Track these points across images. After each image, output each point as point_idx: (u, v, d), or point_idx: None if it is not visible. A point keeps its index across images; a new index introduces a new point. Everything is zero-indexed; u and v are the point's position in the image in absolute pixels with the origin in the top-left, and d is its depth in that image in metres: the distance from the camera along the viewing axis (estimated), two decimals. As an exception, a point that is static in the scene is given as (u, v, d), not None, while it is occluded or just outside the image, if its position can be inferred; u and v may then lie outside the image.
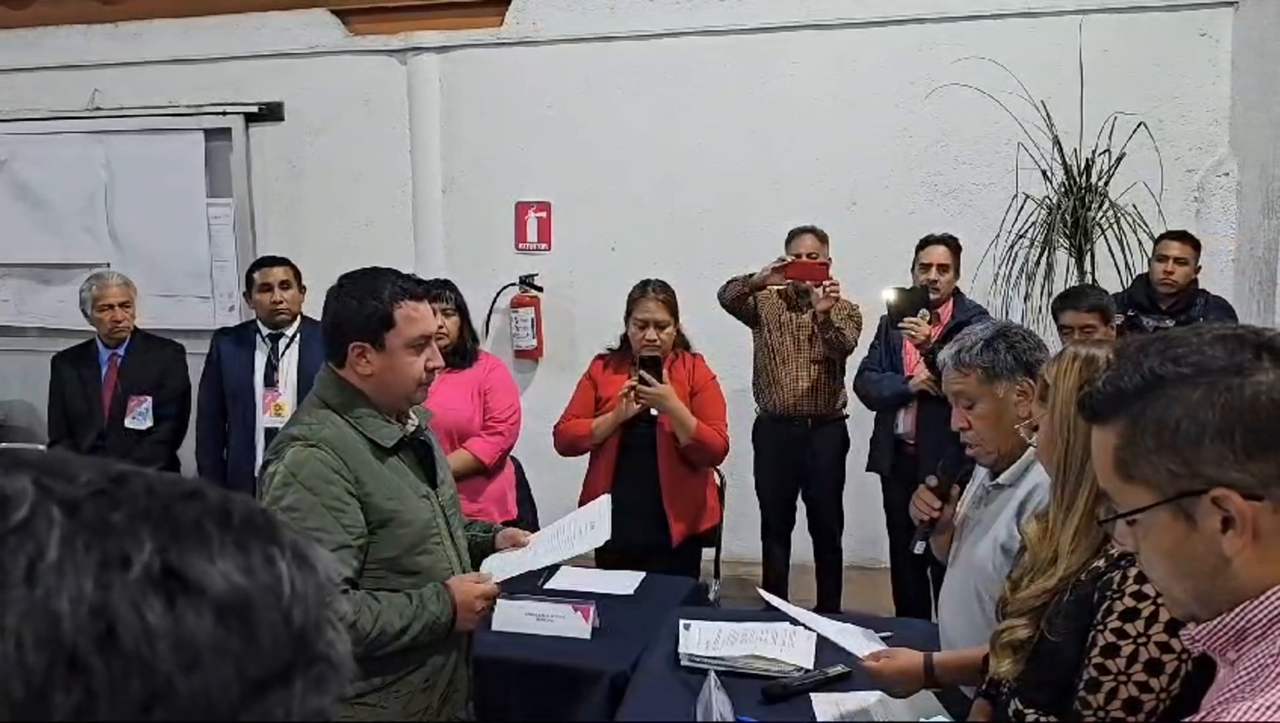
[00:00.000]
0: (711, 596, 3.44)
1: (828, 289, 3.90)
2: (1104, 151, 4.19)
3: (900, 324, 3.80)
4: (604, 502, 2.36)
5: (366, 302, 2.01)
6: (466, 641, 2.19)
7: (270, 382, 3.89)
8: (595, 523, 2.30)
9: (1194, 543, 0.92)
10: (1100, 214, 4.21)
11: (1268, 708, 0.82)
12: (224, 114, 5.57)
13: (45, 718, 0.33)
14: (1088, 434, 1.06)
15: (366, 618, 1.92)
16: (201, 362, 4.08)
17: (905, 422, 3.96)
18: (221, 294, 5.61)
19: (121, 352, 4.18)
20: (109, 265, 5.26)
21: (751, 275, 4.02)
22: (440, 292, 3.34)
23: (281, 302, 3.90)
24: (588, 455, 3.53)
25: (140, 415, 4.08)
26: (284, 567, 0.40)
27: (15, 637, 0.33)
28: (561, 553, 2.24)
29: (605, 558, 3.39)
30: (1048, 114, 4.25)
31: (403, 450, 2.08)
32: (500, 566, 2.22)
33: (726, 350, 4.17)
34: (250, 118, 5.56)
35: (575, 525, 2.34)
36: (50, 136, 5.77)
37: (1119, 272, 4.13)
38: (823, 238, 4.23)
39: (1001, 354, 2.11)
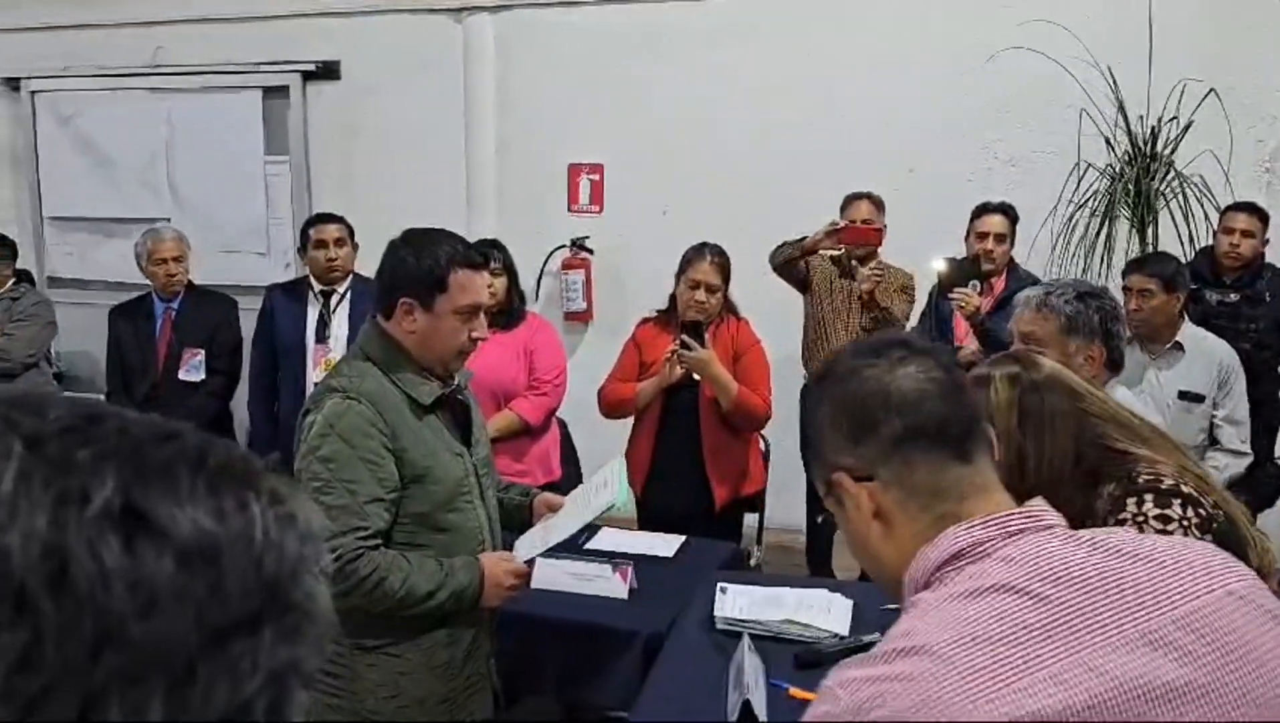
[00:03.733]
0: (753, 561, 3.43)
1: (871, 272, 3.85)
2: (1171, 119, 4.06)
3: (950, 295, 3.74)
4: (615, 464, 2.37)
5: (424, 260, 2.02)
6: None
7: (321, 338, 3.94)
8: (607, 483, 2.30)
9: (849, 524, 1.04)
10: (1165, 184, 4.08)
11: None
12: (282, 72, 5.61)
13: None
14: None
15: (395, 578, 1.94)
16: (256, 317, 4.15)
17: (953, 393, 3.90)
18: (277, 251, 5.68)
19: (175, 305, 4.25)
20: (169, 221, 5.35)
21: (803, 239, 3.98)
22: (488, 252, 3.35)
23: (335, 259, 3.93)
24: (632, 418, 3.53)
25: (193, 368, 4.16)
26: (257, 513, 0.39)
27: None
28: (579, 520, 2.24)
29: (648, 521, 3.40)
30: (1114, 80, 4.12)
31: (440, 408, 2.09)
32: (530, 545, 2.23)
33: (776, 316, 4.13)
34: (307, 76, 5.60)
35: (589, 490, 2.34)
36: (113, 94, 5.86)
37: (1182, 245, 4.01)
38: (878, 204, 4.18)
39: (1089, 311, 2.09)
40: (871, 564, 1.07)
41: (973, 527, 0.96)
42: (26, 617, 0.32)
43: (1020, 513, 0.98)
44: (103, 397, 4.29)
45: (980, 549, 0.94)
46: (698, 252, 3.42)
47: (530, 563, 2.22)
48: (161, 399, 4.07)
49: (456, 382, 2.14)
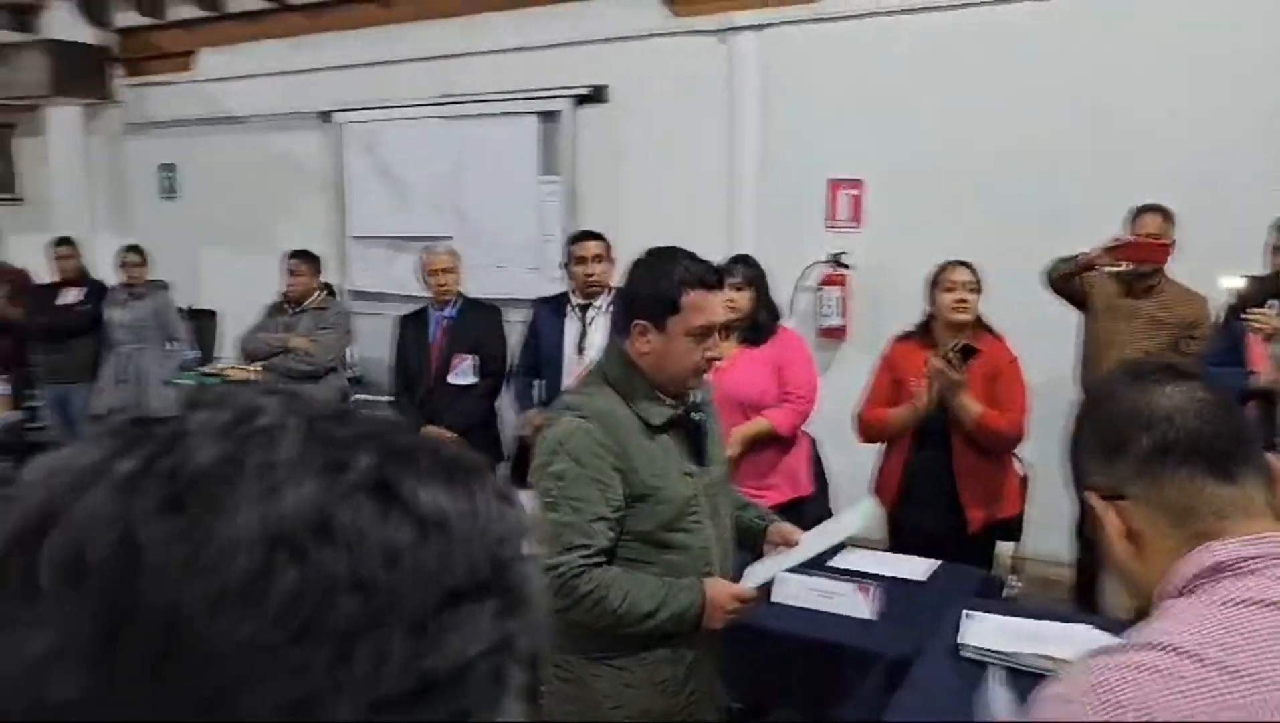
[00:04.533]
0: (1006, 592, 3.24)
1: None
2: None
3: (1245, 315, 3.39)
4: (864, 505, 2.30)
5: (657, 282, 2.03)
6: None
7: (580, 349, 4.11)
8: (848, 521, 2.23)
9: (1103, 544, 1.06)
10: None
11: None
12: (556, 97, 5.93)
13: (264, 594, 0.37)
14: None
15: (615, 596, 1.97)
16: (524, 327, 4.40)
17: (1246, 422, 3.52)
18: (548, 266, 5.99)
19: (449, 314, 4.60)
20: (451, 238, 5.78)
21: (1081, 255, 3.76)
22: (725, 269, 3.38)
23: (593, 274, 4.11)
24: (884, 438, 3.45)
25: (462, 372, 4.47)
26: (482, 502, 0.44)
27: (248, 520, 0.38)
28: (810, 553, 2.21)
29: (898, 542, 3.30)
30: None
31: (672, 429, 2.10)
32: (759, 574, 2.21)
33: (1044, 334, 3.90)
34: (579, 100, 5.89)
35: (828, 526, 2.31)
36: (408, 123, 6.41)
37: None
38: (1169, 218, 3.87)
39: None
40: (1126, 584, 1.07)
41: (1236, 542, 0.94)
42: (296, 561, 0.38)
43: None
44: (389, 399, 4.69)
45: (1245, 565, 0.92)
46: (949, 263, 3.36)
47: (763, 587, 2.20)
48: (435, 401, 4.40)
49: (691, 400, 2.14)
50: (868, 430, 3.43)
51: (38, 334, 6.16)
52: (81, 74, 7.34)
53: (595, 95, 5.85)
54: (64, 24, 7.25)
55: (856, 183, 5.21)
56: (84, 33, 7.33)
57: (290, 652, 0.37)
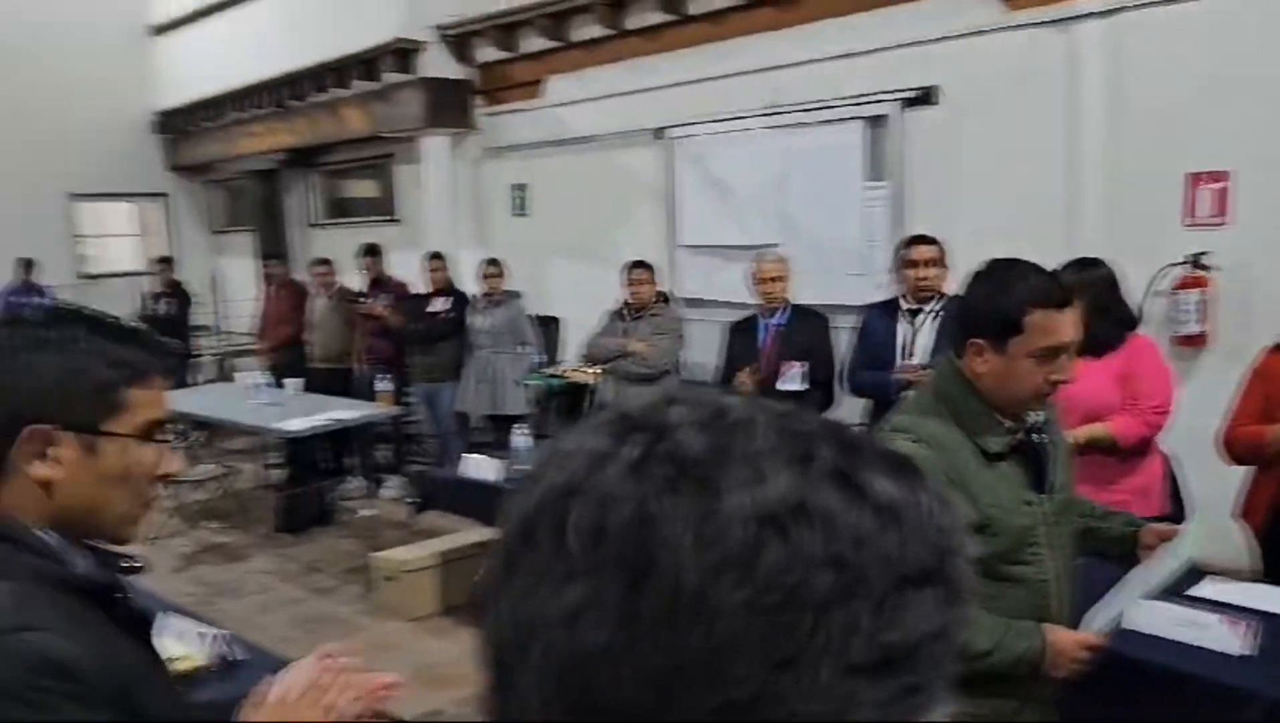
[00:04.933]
0: None
1: None
2: None
3: None
4: (1191, 527, 2.10)
5: (997, 299, 1.90)
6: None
7: (907, 355, 4.08)
8: (1179, 546, 2.07)
9: None
10: None
11: None
12: (883, 101, 5.89)
13: (755, 565, 0.43)
14: None
15: None
16: (850, 333, 4.42)
17: None
18: (872, 272, 5.96)
19: (778, 321, 4.70)
20: (778, 245, 5.90)
21: None
22: (1072, 284, 3.22)
23: (925, 278, 4.06)
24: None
25: (791, 379, 4.56)
26: (925, 497, 0.48)
27: (740, 500, 0.44)
28: (1147, 584, 2.07)
29: (1273, 571, 3.00)
30: None
31: (1012, 453, 1.98)
32: (1104, 615, 2.08)
33: None
34: (907, 103, 5.81)
35: (1167, 555, 2.12)
36: (735, 135, 6.62)
37: None
38: None
39: None
40: None
41: None
42: (781, 537, 0.43)
43: None
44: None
45: None
46: None
47: (1110, 631, 2.07)
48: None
49: (1032, 421, 2.01)
50: (1239, 450, 3.13)
51: (413, 338, 6.98)
52: (450, 107, 8.21)
53: (924, 97, 5.74)
54: (436, 63, 8.15)
55: (1221, 175, 4.75)
56: (452, 69, 8.20)
57: (778, 617, 0.42)
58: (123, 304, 9.64)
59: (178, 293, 9.61)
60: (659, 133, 7.07)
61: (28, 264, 10.28)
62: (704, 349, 6.10)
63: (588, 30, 7.32)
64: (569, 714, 0.44)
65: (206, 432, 8.04)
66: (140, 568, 1.34)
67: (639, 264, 5.48)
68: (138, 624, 1.25)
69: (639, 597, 0.43)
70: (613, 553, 0.43)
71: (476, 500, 4.94)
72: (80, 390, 1.17)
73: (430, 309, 6.89)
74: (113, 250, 12.08)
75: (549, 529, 0.45)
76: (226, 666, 2.58)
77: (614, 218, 7.47)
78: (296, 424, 6.19)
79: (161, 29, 11.53)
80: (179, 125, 11.55)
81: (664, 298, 5.84)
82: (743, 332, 4.84)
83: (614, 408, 0.51)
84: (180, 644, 2.53)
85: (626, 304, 5.49)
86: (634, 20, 7.04)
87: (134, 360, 1.22)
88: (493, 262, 6.70)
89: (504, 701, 0.46)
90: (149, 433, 1.24)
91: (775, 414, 0.48)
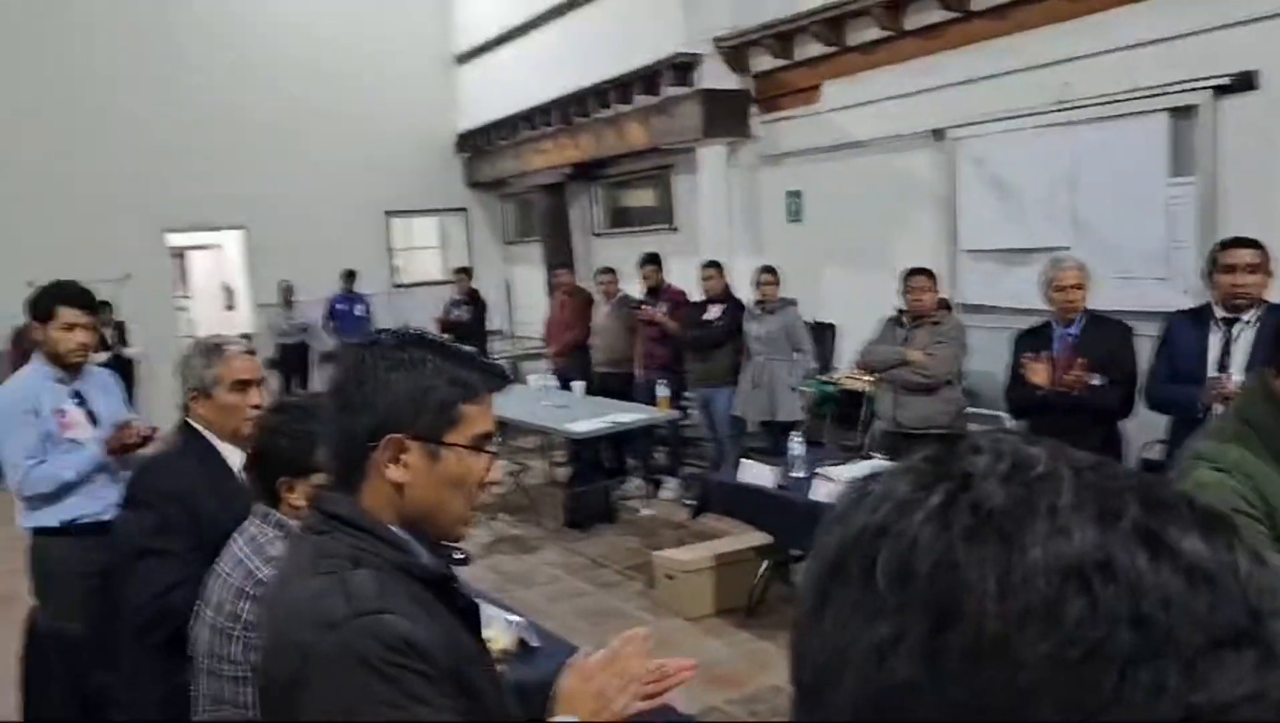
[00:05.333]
0: None
1: None
2: None
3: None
4: None
5: None
6: None
7: (1222, 366, 3.76)
8: None
9: None
10: None
11: None
12: (1190, 90, 5.44)
13: (1059, 617, 0.44)
14: None
15: None
16: (1153, 342, 4.12)
17: None
18: (1178, 276, 5.52)
19: (1073, 331, 4.44)
20: (1068, 249, 5.59)
21: None
22: None
23: (1242, 285, 3.73)
24: None
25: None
26: (1240, 557, 0.47)
27: (1044, 553, 0.45)
28: None
29: None
30: None
31: None
32: None
33: None
34: (1219, 91, 5.33)
35: None
36: (1020, 134, 6.32)
37: None
38: None
39: None
40: None
41: None
42: (1084, 592, 0.44)
43: None
44: (1007, 416, 4.70)
45: None
46: None
47: None
48: (1058, 424, 4.28)
49: None
50: None
51: (689, 344, 7.19)
52: (726, 116, 8.38)
53: (1241, 83, 5.25)
54: (713, 74, 8.35)
55: None
56: (729, 80, 8.37)
57: (1082, 670, 0.43)
58: (427, 312, 10.58)
59: (475, 300, 10.39)
60: (939, 134, 6.88)
61: (350, 275, 11.51)
62: (987, 358, 5.87)
63: (865, 34, 7.25)
64: None
65: (502, 430, 8.67)
66: (467, 560, 1.52)
67: (918, 270, 5.36)
68: (468, 612, 1.42)
69: (943, 638, 0.45)
70: (919, 595, 0.46)
71: (752, 505, 5.04)
72: (427, 406, 1.35)
73: (706, 316, 7.07)
74: (418, 262, 13.25)
75: (860, 567, 0.49)
76: (526, 649, 2.80)
77: (891, 223, 7.35)
78: (582, 426, 6.56)
79: (463, 58, 12.54)
80: (476, 145, 12.50)
81: (945, 305, 5.69)
82: (1033, 340, 4.61)
83: (921, 455, 0.54)
84: (488, 628, 2.78)
85: (903, 311, 5.39)
86: (913, 20, 6.90)
87: (470, 380, 1.39)
88: (768, 269, 6.78)
89: (813, 717, 0.50)
90: (480, 444, 1.40)
91: (1081, 468, 0.49)
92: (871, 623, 0.47)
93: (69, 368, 3.50)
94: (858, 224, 7.59)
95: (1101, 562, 0.45)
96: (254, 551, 1.94)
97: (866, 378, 6.23)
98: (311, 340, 11.45)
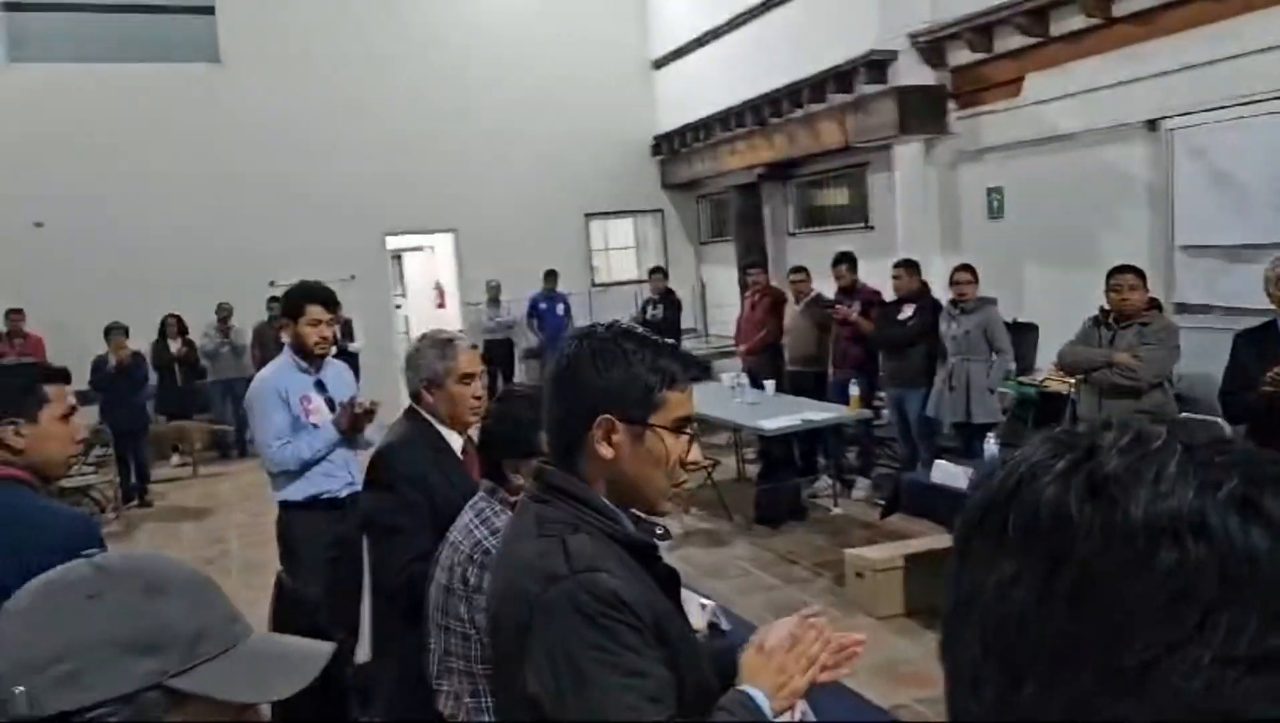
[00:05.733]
0: None
1: None
2: None
3: None
4: None
5: None
6: None
7: None
8: None
9: None
10: None
11: None
12: None
13: (1151, 565, 0.52)
14: None
15: None
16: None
17: None
18: None
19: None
20: (1297, 245, 5.24)
21: None
22: None
23: None
24: None
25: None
26: None
27: (1145, 512, 0.54)
28: None
29: None
30: None
31: None
32: None
33: None
34: None
35: None
36: (1244, 121, 5.95)
37: None
38: None
39: None
40: None
41: None
42: (1177, 547, 0.52)
43: None
44: (1220, 421, 4.47)
45: None
46: None
47: None
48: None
49: None
50: None
51: (881, 344, 7.16)
52: (923, 113, 8.27)
53: None
54: (909, 70, 8.25)
55: None
56: (925, 76, 8.25)
57: (1167, 609, 0.51)
58: (623, 311, 10.92)
59: (669, 300, 10.63)
60: (1153, 125, 6.57)
61: (552, 275, 12.02)
62: (1203, 360, 5.58)
63: (1071, 22, 6.99)
64: (998, 660, 0.56)
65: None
66: (667, 535, 1.67)
67: (1126, 268, 5.15)
68: (668, 579, 1.58)
69: (1056, 578, 0.54)
70: (1039, 542, 0.55)
71: (945, 507, 4.99)
72: (634, 391, 1.52)
73: (899, 316, 7.02)
74: (615, 262, 13.66)
75: (996, 521, 0.58)
76: (716, 632, 2.95)
77: (1098, 218, 7.06)
78: (773, 423, 6.65)
79: (659, 63, 12.85)
80: (671, 147, 12.78)
81: (1154, 305, 5.44)
82: (1256, 341, 4.33)
83: (1060, 428, 0.63)
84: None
85: (1106, 311, 5.19)
86: (1123, 6, 6.61)
87: (672, 369, 1.55)
88: (965, 268, 6.65)
89: (953, 647, 0.60)
90: (679, 427, 1.56)
91: (1194, 446, 0.57)
92: (999, 563, 0.57)
93: (313, 360, 3.90)
94: (1063, 220, 7.33)
95: (1195, 523, 0.52)
96: (481, 522, 2.17)
97: (1069, 380, 6.02)
98: (515, 337, 12.03)
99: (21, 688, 0.85)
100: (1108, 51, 6.80)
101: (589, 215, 13.19)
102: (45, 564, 2.34)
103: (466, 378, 2.88)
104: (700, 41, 11.66)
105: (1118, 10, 6.65)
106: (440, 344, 2.91)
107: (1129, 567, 0.53)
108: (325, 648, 1.02)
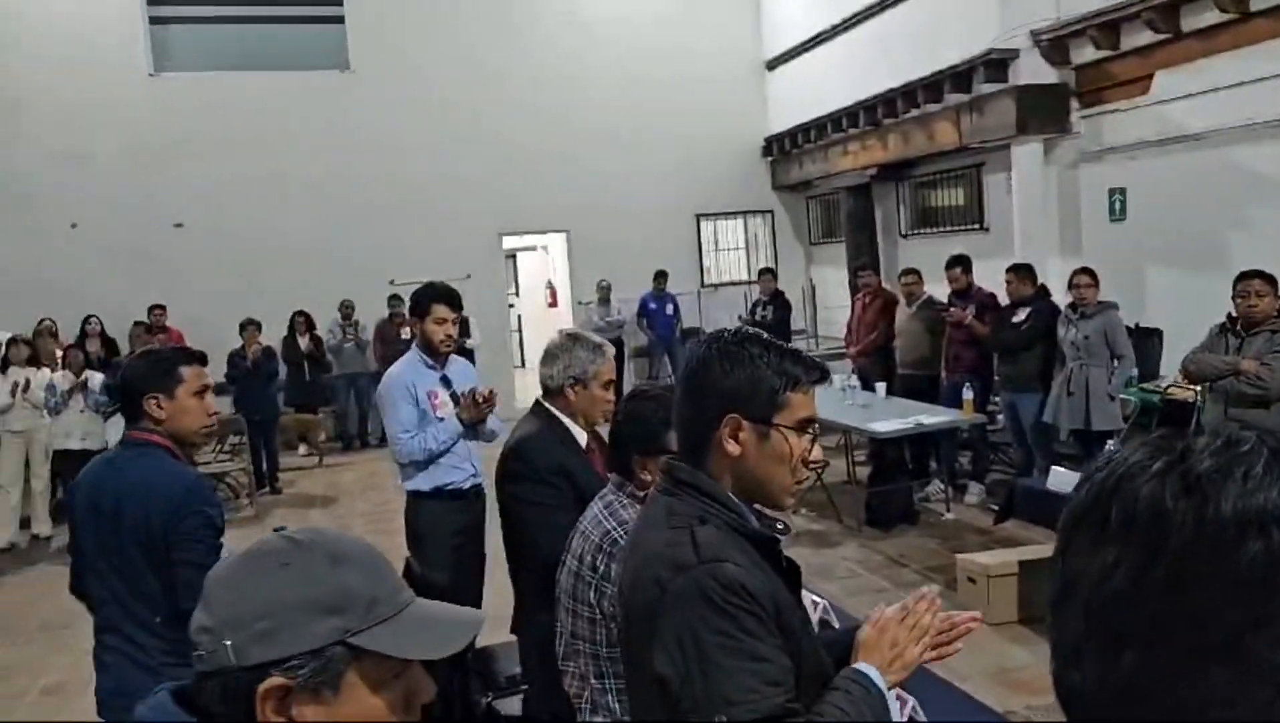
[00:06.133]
0: None
1: None
2: None
3: None
4: None
5: None
6: None
7: None
8: None
9: None
10: None
11: None
12: None
13: (1238, 555, 0.59)
14: None
15: None
16: None
17: None
18: None
19: None
20: None
21: None
22: None
23: None
24: None
25: None
26: None
27: (1234, 507, 0.60)
28: None
29: None
30: None
31: None
32: None
33: None
34: None
35: None
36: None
37: None
38: None
39: None
40: None
41: None
42: (1259, 538, 0.60)
43: None
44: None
45: None
46: None
47: None
48: None
49: None
50: None
51: (994, 347, 7.05)
52: (1042, 112, 8.10)
53: None
54: (1030, 69, 8.09)
55: None
56: (1046, 74, 8.08)
57: (1255, 591, 0.58)
58: (732, 311, 10.97)
59: (779, 300, 10.63)
60: (1289, 123, 6.32)
61: (662, 275, 12.14)
62: (1340, 368, 5.35)
63: (1204, 18, 6.77)
64: (1100, 635, 0.64)
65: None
66: (787, 530, 1.75)
67: (1253, 273, 4.98)
68: (790, 572, 1.66)
69: (1153, 564, 0.60)
70: (1138, 534, 0.63)
71: (1060, 514, 4.91)
72: (760, 392, 1.60)
73: (1014, 320, 6.90)
74: (725, 262, 13.71)
75: (1098, 515, 0.66)
76: (823, 628, 3.00)
77: (1229, 221, 6.82)
78: (884, 425, 6.63)
79: (772, 64, 12.85)
80: (782, 148, 12.77)
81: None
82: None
83: (1158, 433, 0.70)
84: (794, 605, 3.01)
85: (1234, 317, 5.03)
86: (1259, 1, 6.37)
87: (795, 372, 1.63)
88: (1085, 270, 6.50)
89: (1058, 628, 0.68)
90: (802, 427, 1.64)
91: (1277, 450, 0.64)
92: (1101, 552, 0.64)
93: (438, 356, 4.09)
94: (1188, 222, 7.10)
95: (1271, 521, 0.60)
96: (610, 514, 2.29)
97: (1193, 387, 5.85)
98: (625, 336, 12.20)
99: (229, 641, 0.99)
100: (1241, 48, 6.57)
101: (699, 216, 13.28)
102: (166, 509, 2.62)
103: (609, 384, 3.05)
104: (815, 42, 11.63)
105: (1254, 5, 6.42)
106: (593, 347, 3.05)
107: (1219, 555, 0.60)
108: (479, 616, 1.15)
